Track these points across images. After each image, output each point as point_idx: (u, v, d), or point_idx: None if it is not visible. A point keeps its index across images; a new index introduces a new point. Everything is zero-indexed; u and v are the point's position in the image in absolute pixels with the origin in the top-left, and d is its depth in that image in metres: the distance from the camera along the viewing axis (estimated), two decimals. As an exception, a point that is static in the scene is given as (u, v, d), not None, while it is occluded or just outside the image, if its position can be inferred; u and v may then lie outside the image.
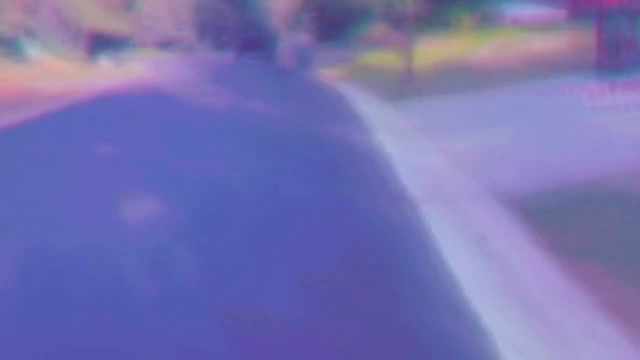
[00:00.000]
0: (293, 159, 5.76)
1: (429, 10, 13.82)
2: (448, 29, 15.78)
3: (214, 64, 27.08)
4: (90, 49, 26.81)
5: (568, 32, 10.71)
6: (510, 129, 5.74)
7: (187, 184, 4.94)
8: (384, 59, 14.04)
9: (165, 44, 55.95)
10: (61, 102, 13.31)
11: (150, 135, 7.96)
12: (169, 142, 7.39)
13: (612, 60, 8.22)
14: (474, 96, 8.22)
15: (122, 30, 29.97)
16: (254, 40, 26.71)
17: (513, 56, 11.00)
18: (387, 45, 14.41)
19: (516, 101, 7.34)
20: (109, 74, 23.22)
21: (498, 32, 14.32)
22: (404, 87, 10.14)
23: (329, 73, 17.23)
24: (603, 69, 8.06)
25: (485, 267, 2.61)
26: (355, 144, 6.14)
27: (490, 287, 2.39)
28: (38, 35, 26.00)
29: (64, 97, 14.35)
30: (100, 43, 27.73)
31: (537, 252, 2.66)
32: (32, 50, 25.51)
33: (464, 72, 10.57)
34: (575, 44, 11.04)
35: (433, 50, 13.18)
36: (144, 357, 2.02)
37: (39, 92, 16.41)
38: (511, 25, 16.08)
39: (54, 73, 23.02)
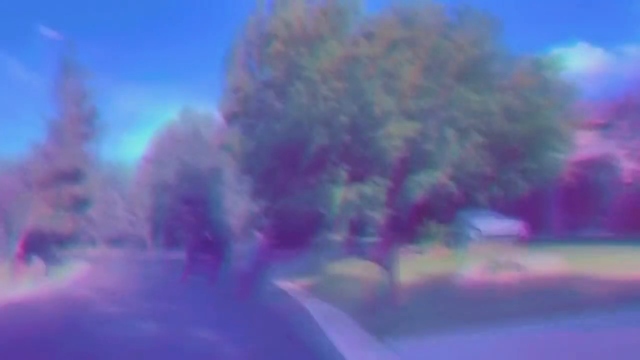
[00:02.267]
0: None
1: (402, 221, 13.09)
2: (421, 243, 15.12)
3: (155, 275, 24.89)
4: (27, 249, 24.51)
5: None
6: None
7: None
8: (355, 269, 12.49)
9: (115, 241, 54.13)
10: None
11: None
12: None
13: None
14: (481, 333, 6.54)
15: (68, 229, 28.19)
16: (208, 242, 25.49)
17: (503, 277, 9.85)
18: (361, 256, 13.15)
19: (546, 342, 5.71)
20: (36, 279, 20.78)
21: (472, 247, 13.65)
22: (385, 316, 8.38)
23: (292, 285, 15.58)
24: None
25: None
26: None
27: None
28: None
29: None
30: (40, 241, 25.60)
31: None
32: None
33: (456, 295, 9.16)
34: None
35: (410, 264, 12.03)
36: None
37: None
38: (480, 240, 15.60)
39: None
